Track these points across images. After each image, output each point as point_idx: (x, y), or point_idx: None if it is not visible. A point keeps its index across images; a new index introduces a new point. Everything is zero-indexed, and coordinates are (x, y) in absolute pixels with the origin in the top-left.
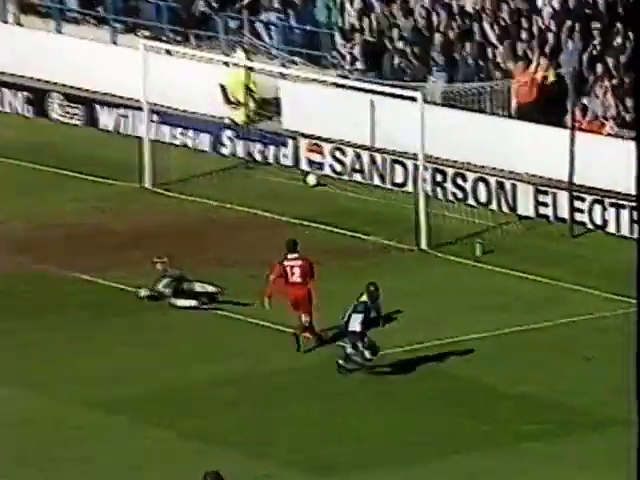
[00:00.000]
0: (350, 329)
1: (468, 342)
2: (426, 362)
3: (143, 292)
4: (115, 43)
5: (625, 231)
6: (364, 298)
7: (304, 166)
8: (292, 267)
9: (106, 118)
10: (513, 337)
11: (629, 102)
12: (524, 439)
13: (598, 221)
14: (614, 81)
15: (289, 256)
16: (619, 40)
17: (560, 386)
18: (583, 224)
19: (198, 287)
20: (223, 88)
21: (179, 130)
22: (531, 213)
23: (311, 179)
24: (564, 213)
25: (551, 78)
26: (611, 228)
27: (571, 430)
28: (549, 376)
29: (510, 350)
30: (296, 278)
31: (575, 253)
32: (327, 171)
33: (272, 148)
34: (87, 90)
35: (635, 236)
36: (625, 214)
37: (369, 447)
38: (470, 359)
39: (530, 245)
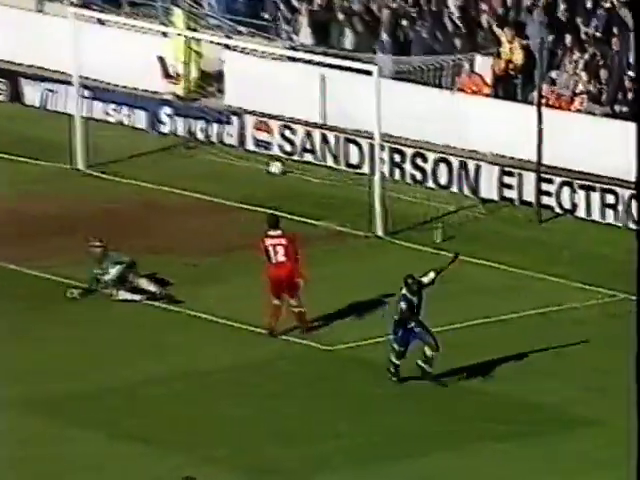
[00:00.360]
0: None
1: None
2: (383, 357)
3: (75, 292)
4: (41, 11)
5: (596, 215)
6: (403, 291)
7: (250, 146)
8: (275, 245)
9: (32, 93)
10: (476, 330)
11: (601, 75)
12: (490, 439)
13: (567, 205)
14: (585, 54)
15: (271, 233)
16: (589, 5)
17: (528, 383)
18: (551, 208)
19: (144, 283)
20: (161, 60)
21: (113, 107)
22: (495, 196)
23: (275, 167)
24: (531, 196)
25: (517, 51)
26: (581, 212)
27: (539, 430)
28: (516, 372)
29: (473, 344)
30: (280, 257)
31: (542, 239)
32: (275, 151)
33: (215, 126)
34: (11, 62)
35: (607, 220)
36: (596, 197)
37: (320, 449)
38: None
39: (494, 231)
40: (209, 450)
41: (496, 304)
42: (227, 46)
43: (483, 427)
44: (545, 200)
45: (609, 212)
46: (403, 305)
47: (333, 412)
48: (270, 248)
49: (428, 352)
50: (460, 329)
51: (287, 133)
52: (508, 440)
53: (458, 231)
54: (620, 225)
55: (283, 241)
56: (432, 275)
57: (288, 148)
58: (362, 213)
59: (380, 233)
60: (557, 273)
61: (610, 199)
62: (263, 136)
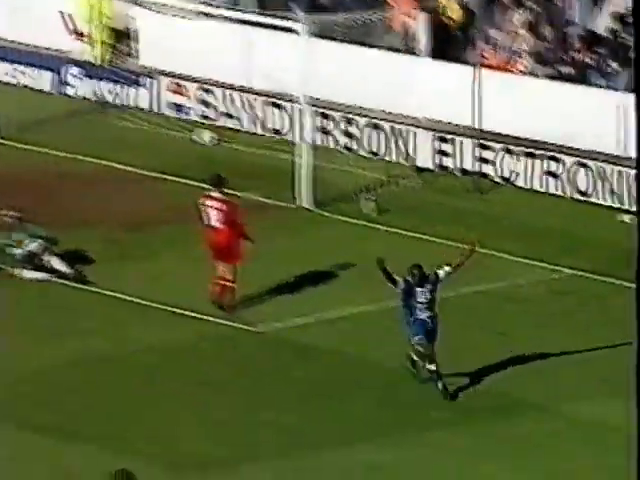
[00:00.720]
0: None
1: (360, 316)
2: (311, 339)
3: None
4: None
5: (537, 185)
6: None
7: (165, 110)
8: (209, 208)
9: None
10: None
11: (545, 34)
12: (428, 427)
13: (508, 174)
14: (527, 11)
15: (211, 194)
16: None
17: (468, 365)
18: (491, 177)
19: (56, 262)
20: (68, 16)
21: (15, 67)
22: (431, 165)
23: (205, 136)
24: (469, 165)
25: (454, 7)
26: (522, 182)
27: (478, 416)
28: (455, 354)
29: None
30: (213, 221)
31: (482, 211)
32: (192, 116)
33: (127, 89)
34: None
35: (551, 190)
36: (538, 165)
37: (248, 438)
38: (364, 335)
39: (430, 202)
40: (128, 440)
41: None
42: (138, 2)
43: (423, 414)
44: (485, 169)
45: (551, 181)
46: (401, 283)
47: (261, 398)
48: (203, 208)
49: (429, 366)
50: (394, 308)
51: (205, 96)
52: (448, 426)
53: (392, 203)
54: (564, 195)
55: (221, 205)
56: (447, 269)
57: (207, 113)
58: (288, 183)
59: (307, 205)
60: (498, 247)
61: (553, 167)
62: (179, 99)
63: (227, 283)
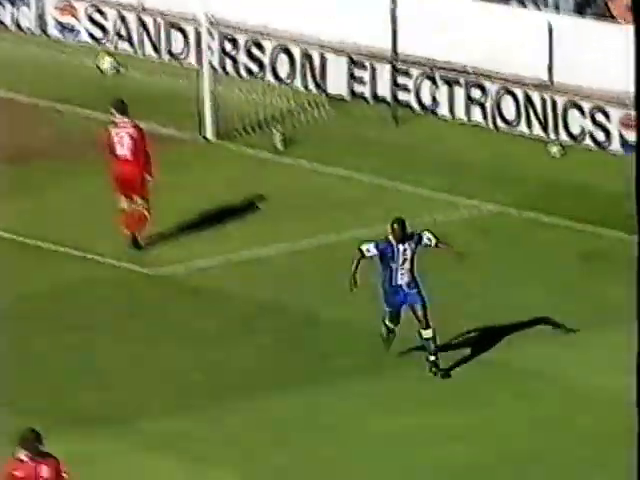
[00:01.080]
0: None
1: (268, 258)
2: (214, 283)
3: None
4: None
5: (461, 114)
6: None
7: (52, 30)
8: (120, 135)
9: None
10: (322, 251)
11: None
12: (334, 375)
13: (427, 101)
14: None
15: (117, 120)
16: None
17: (369, 311)
18: (409, 106)
19: None
20: None
21: None
22: (344, 92)
23: (104, 62)
24: (385, 92)
25: None
26: (444, 110)
27: (386, 364)
28: (368, 298)
29: (321, 267)
30: (126, 150)
31: (399, 142)
32: (83, 37)
33: (8, 7)
34: None
35: (474, 120)
36: (461, 93)
37: (141, 392)
38: (272, 278)
39: (343, 133)
40: (11, 396)
41: (346, 219)
42: None
43: (322, 361)
44: (402, 96)
45: (476, 110)
46: (371, 249)
47: (155, 348)
48: (115, 138)
49: (423, 332)
50: (307, 250)
51: (96, 16)
52: (357, 374)
53: (302, 133)
54: (489, 126)
55: (131, 131)
56: (431, 237)
57: (98, 34)
58: (188, 112)
59: (210, 136)
60: (417, 182)
61: (477, 94)
62: (67, 19)
63: (145, 212)
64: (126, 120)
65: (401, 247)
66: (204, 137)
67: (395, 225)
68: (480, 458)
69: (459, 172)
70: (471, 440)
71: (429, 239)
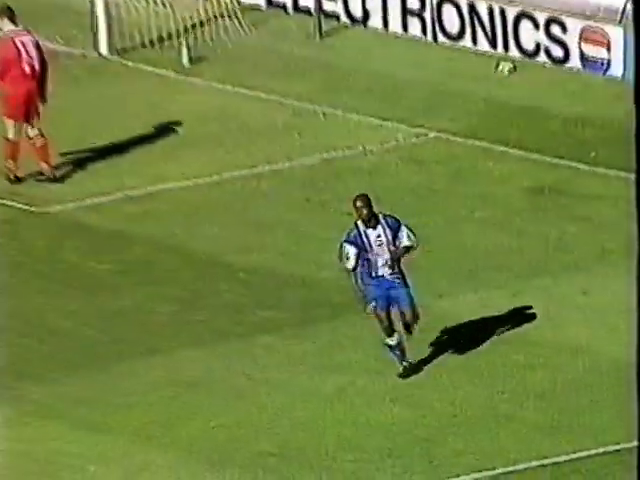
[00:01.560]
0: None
1: (172, 194)
2: (107, 222)
3: None
4: None
5: (396, 26)
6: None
7: None
8: (25, 44)
9: None
10: (232, 183)
11: None
12: (255, 328)
13: (357, 12)
14: None
15: (12, 28)
16: None
17: (292, 256)
18: (336, 16)
19: None
20: None
21: None
22: (261, 1)
23: None
24: (308, 1)
25: None
26: (376, 22)
27: (309, 316)
28: (287, 240)
29: (226, 203)
30: (35, 63)
31: (324, 60)
32: None
33: None
34: None
35: (412, 33)
36: (396, 1)
37: (28, 348)
38: (174, 217)
39: (260, 49)
40: None
41: (265, 149)
42: None
43: (238, 314)
44: (328, 6)
45: (413, 21)
46: (350, 250)
47: (42, 297)
48: (21, 47)
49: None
50: (210, 184)
51: None
52: (278, 328)
53: (212, 49)
54: (427, 40)
55: (32, 38)
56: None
57: None
58: (80, 24)
59: (105, 51)
60: (343, 104)
61: (415, 4)
62: None
63: (44, 140)
64: (19, 28)
65: (372, 232)
66: (98, 53)
67: (358, 203)
68: (419, 419)
69: (393, 94)
70: (411, 402)
71: (409, 237)
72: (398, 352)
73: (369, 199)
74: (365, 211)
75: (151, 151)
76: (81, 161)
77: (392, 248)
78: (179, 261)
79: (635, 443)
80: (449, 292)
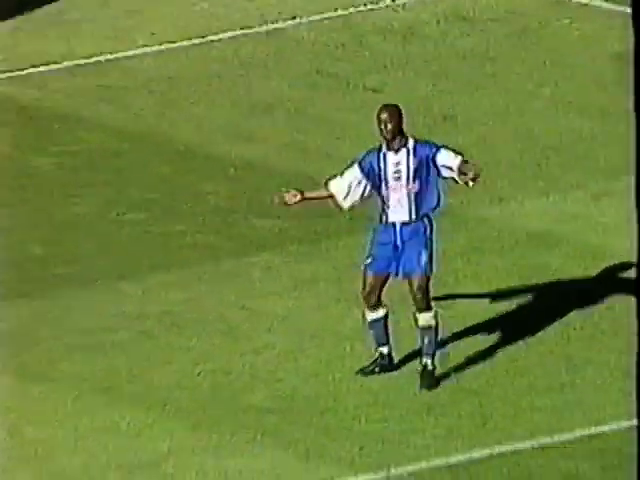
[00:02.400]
0: None
1: (131, 61)
2: (53, 100)
3: None
4: None
5: None
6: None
7: None
8: None
9: None
10: (219, 48)
11: None
12: (248, 247)
13: None
14: None
15: None
16: None
17: (298, 147)
18: None
19: None
20: None
21: None
22: None
23: None
24: None
25: None
26: None
27: (324, 227)
28: (291, 126)
29: (211, 76)
30: None
31: None
32: None
33: None
34: None
35: None
36: None
37: None
38: (143, 91)
39: None
40: None
41: (261, 1)
42: None
43: (226, 229)
44: None
45: None
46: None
47: None
48: None
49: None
50: (200, 48)
51: None
52: (272, 248)
53: None
54: None
55: None
56: (455, 157)
57: None
58: None
59: None
60: None
61: None
62: None
63: None
64: None
65: (391, 156)
66: None
67: (382, 114)
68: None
69: None
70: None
71: (446, 160)
72: (375, 334)
73: (399, 112)
74: (390, 126)
75: (109, 4)
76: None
77: (411, 186)
78: (149, 153)
79: None
80: (511, 195)
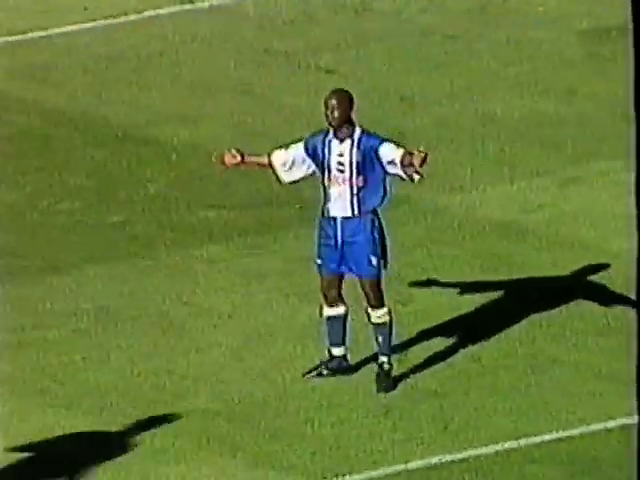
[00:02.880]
0: None
1: (62, 38)
2: None
3: None
4: None
5: None
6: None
7: None
8: None
9: None
10: (158, 23)
11: None
12: (192, 239)
13: None
14: None
15: None
16: None
17: (245, 129)
18: None
19: None
20: None
21: None
22: None
23: None
24: None
25: None
26: None
27: (274, 217)
28: (236, 107)
29: (150, 53)
30: None
31: None
32: None
33: None
34: None
35: None
36: None
37: None
38: (76, 69)
39: None
40: None
41: None
42: None
43: (167, 218)
44: None
45: None
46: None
47: None
48: None
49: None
50: (139, 23)
51: None
52: (217, 240)
53: None
54: None
55: None
56: (395, 148)
57: None
58: None
59: None
60: None
61: None
62: None
63: None
64: None
65: (336, 145)
66: None
67: (332, 101)
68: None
69: None
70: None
71: (389, 153)
72: (330, 332)
73: (350, 98)
74: (337, 113)
75: None
76: None
77: (354, 180)
78: (84, 137)
79: None
80: (472, 183)
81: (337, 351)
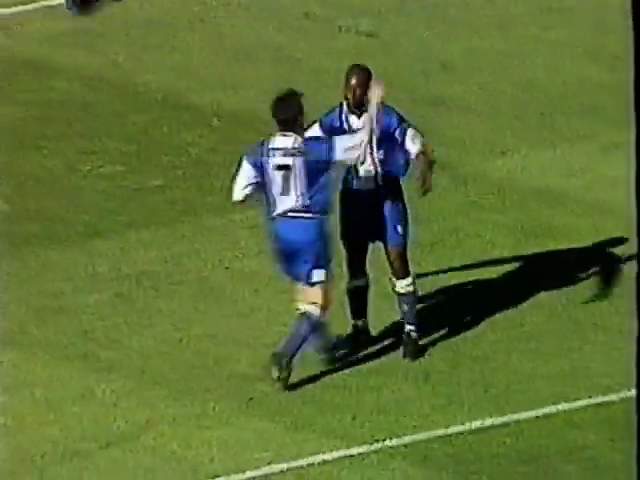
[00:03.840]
0: None
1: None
2: (19, 45)
3: None
4: None
5: None
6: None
7: None
8: None
9: None
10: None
11: None
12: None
13: None
14: None
15: None
16: None
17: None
18: None
19: None
20: None
21: None
22: None
23: None
24: None
25: None
26: None
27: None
28: (276, 72)
29: (190, 19)
30: None
31: None
32: None
33: None
34: None
35: None
36: None
37: None
38: (114, 34)
39: None
40: None
41: None
42: None
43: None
44: None
45: None
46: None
47: None
48: None
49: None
50: None
51: None
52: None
53: None
54: None
55: None
56: (416, 136)
57: None
58: None
59: None
60: None
61: None
62: None
63: None
64: None
65: (355, 121)
66: None
67: (352, 80)
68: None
69: None
70: None
71: (412, 139)
72: (351, 304)
73: (369, 75)
74: (358, 94)
75: None
76: None
77: (375, 154)
78: (126, 102)
79: None
80: (513, 148)
81: (358, 323)
